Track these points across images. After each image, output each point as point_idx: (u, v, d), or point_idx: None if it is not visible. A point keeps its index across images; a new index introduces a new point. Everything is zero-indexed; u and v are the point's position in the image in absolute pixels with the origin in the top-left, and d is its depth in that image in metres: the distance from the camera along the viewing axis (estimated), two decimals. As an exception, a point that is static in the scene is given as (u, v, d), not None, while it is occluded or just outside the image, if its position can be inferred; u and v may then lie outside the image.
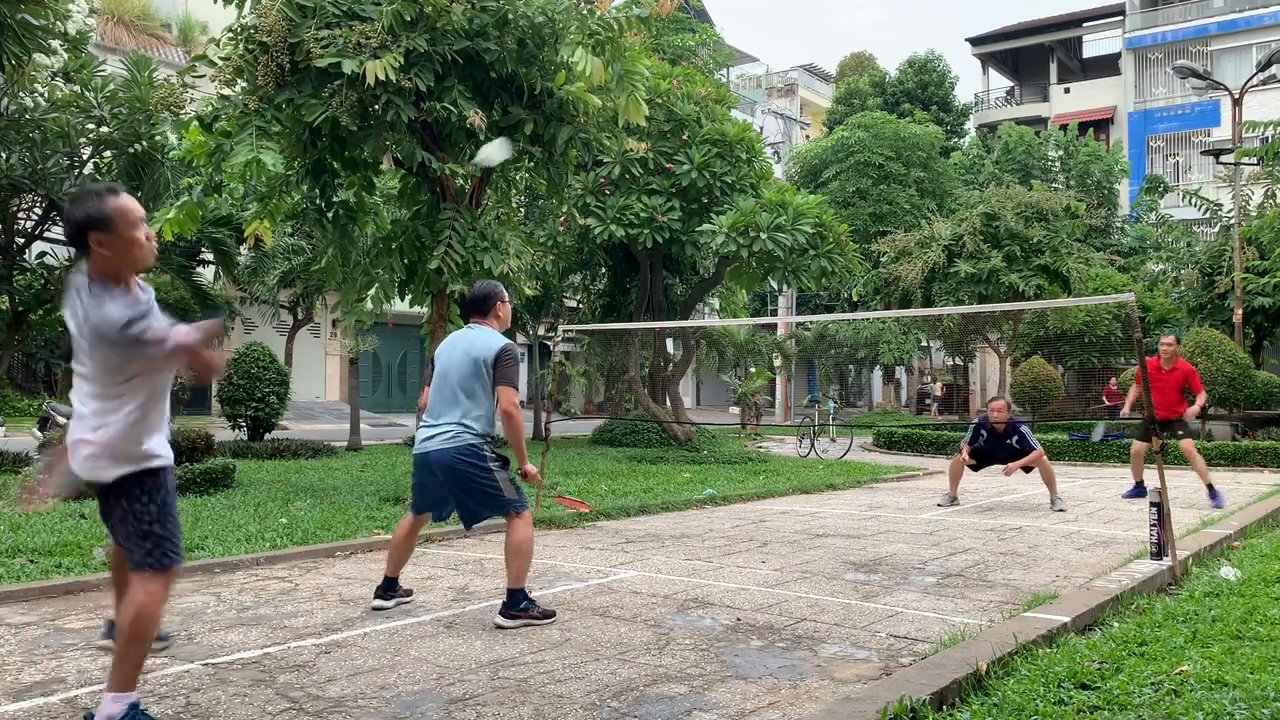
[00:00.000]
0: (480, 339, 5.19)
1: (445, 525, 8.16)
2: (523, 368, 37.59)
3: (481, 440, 5.12)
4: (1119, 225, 35.65)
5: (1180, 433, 10.95)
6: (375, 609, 5.35)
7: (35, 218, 15.19)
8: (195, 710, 3.73)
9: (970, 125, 45.26)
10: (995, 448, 10.49)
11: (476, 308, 5.33)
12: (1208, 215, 22.48)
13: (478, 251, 9.12)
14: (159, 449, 3.53)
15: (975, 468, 10.85)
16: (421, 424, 5.27)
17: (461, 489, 5.13)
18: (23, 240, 15.19)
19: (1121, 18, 41.09)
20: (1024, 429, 10.48)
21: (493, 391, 5.14)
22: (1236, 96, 20.11)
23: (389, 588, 5.44)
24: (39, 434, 13.43)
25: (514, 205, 12.27)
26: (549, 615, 5.15)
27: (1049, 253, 21.83)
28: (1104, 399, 28.44)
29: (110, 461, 3.41)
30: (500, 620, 5.05)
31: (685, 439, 18.11)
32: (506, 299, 5.43)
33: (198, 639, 4.76)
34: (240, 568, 6.56)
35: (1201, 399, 11.05)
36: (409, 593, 5.59)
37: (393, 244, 9.72)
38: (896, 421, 28.38)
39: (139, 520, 3.44)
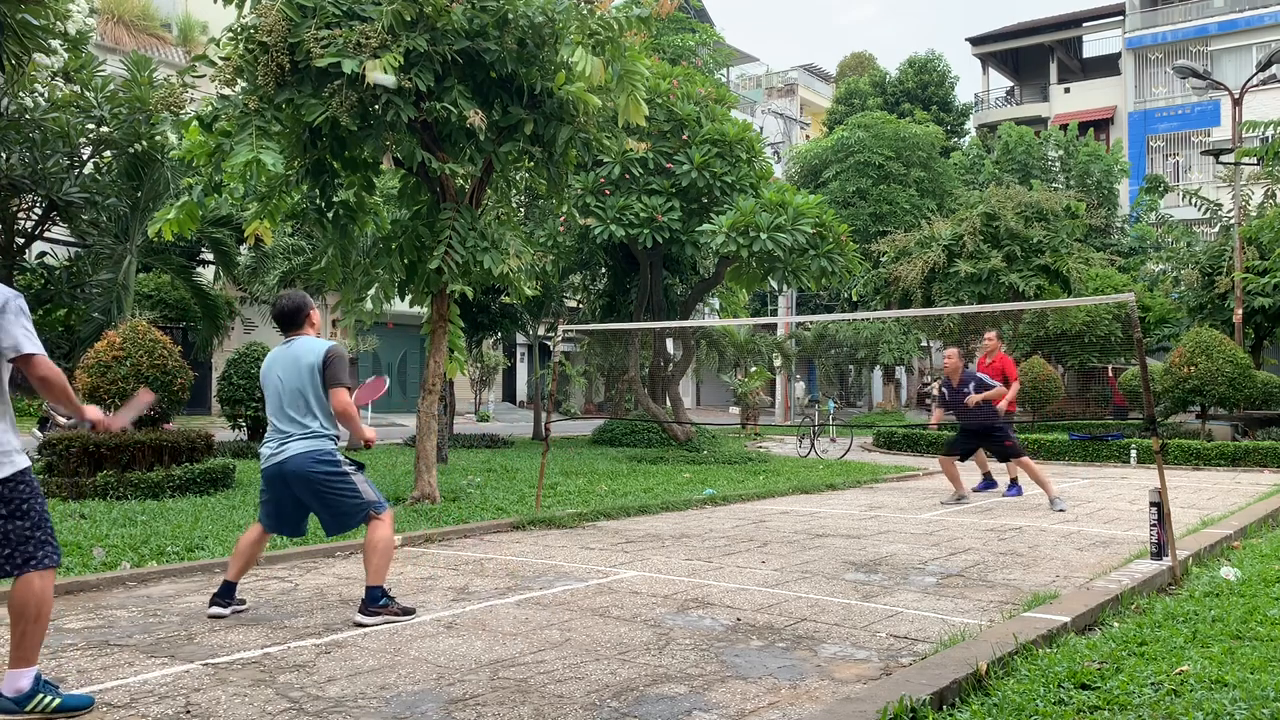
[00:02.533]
0: (304, 346, 5.21)
1: (445, 525, 8.18)
2: (522, 368, 37.63)
3: (332, 442, 5.17)
4: (1119, 225, 35.63)
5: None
6: (212, 616, 5.19)
7: (35, 218, 15.20)
8: (195, 710, 3.73)
9: (970, 125, 45.24)
10: (955, 401, 10.54)
11: (290, 321, 5.34)
12: (1208, 215, 22.46)
13: (478, 251, 9.11)
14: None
15: (963, 458, 10.92)
16: (266, 440, 5.26)
17: (318, 496, 5.12)
18: (23, 240, 15.20)
19: (1121, 18, 41.08)
20: (980, 375, 10.58)
21: (325, 393, 5.16)
22: (1236, 96, 20.10)
23: (228, 593, 5.29)
24: (39, 434, 13.45)
25: (514, 205, 12.26)
26: (409, 611, 5.21)
27: (1049, 253, 21.84)
28: (1110, 386, 28.36)
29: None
30: (360, 619, 5.07)
31: (685, 439, 18.11)
32: (314, 306, 5.46)
33: (198, 639, 4.76)
34: (240, 568, 6.55)
35: (1012, 390, 10.92)
36: (243, 603, 5.44)
37: (393, 244, 9.71)
38: (896, 421, 28.37)
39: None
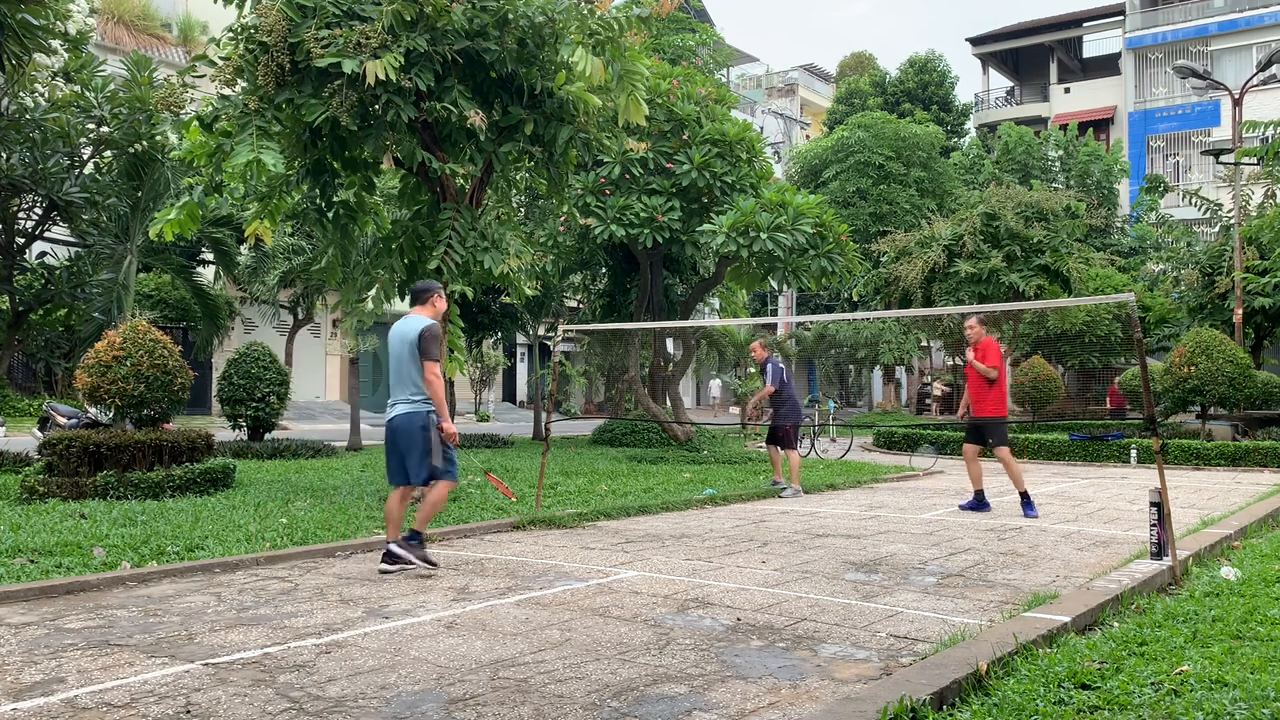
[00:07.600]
0: (411, 324, 6.36)
1: (445, 525, 8.18)
2: (522, 367, 37.64)
3: (426, 408, 6.31)
4: (1119, 225, 35.65)
5: (990, 440, 9.77)
6: (383, 571, 6.33)
7: (35, 218, 15.21)
8: (195, 710, 3.73)
9: (970, 125, 45.26)
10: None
11: (416, 299, 6.62)
12: (1208, 215, 22.47)
13: (478, 251, 9.11)
14: None
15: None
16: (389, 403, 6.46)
17: (406, 450, 6.32)
18: (23, 240, 15.21)
19: (1121, 18, 41.10)
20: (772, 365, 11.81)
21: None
22: (1236, 96, 20.10)
23: (393, 553, 6.41)
24: (39, 434, 13.44)
25: (514, 205, 12.26)
26: (432, 564, 6.40)
27: (1049, 253, 21.82)
28: (1108, 400, 28.41)
29: None
30: (394, 549, 6.33)
31: (685, 439, 18.11)
32: (442, 294, 6.70)
33: (198, 639, 4.76)
34: (240, 568, 6.56)
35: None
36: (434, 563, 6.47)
37: (393, 244, 9.72)
38: (896, 421, 28.37)
39: None
